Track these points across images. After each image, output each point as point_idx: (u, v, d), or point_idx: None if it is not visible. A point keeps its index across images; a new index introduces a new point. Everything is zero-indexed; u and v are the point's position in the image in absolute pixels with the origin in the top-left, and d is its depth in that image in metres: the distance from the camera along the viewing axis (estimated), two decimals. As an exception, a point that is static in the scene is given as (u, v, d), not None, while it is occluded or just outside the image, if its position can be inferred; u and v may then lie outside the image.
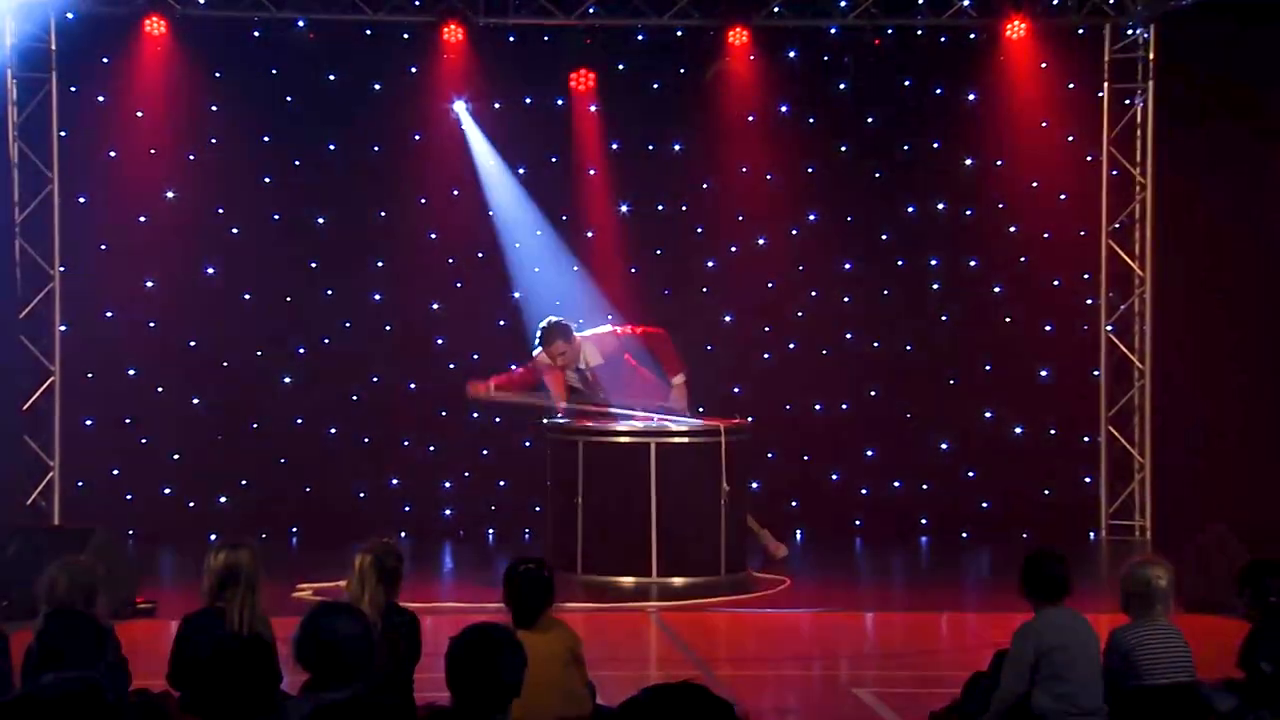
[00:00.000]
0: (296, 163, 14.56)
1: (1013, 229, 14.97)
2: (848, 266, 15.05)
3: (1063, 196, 14.97)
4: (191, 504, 14.35)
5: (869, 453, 15.00)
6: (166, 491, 14.34)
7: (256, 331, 14.50)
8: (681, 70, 14.81)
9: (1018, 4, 14.34)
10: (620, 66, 14.72)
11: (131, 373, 14.36)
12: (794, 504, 14.74)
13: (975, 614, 11.67)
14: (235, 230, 14.50)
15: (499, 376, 12.91)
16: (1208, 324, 13.97)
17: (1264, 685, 7.02)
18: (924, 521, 14.96)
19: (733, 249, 14.95)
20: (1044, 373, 14.98)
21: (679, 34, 14.72)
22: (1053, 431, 15.02)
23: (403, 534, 14.03)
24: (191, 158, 14.45)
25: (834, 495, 14.78)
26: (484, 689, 4.75)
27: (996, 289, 15.02)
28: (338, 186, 14.55)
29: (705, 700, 3.57)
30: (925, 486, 14.98)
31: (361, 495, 14.59)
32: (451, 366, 14.75)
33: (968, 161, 14.92)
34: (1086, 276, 15.08)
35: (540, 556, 6.94)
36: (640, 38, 14.74)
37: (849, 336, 14.98)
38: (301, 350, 14.72)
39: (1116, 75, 14.97)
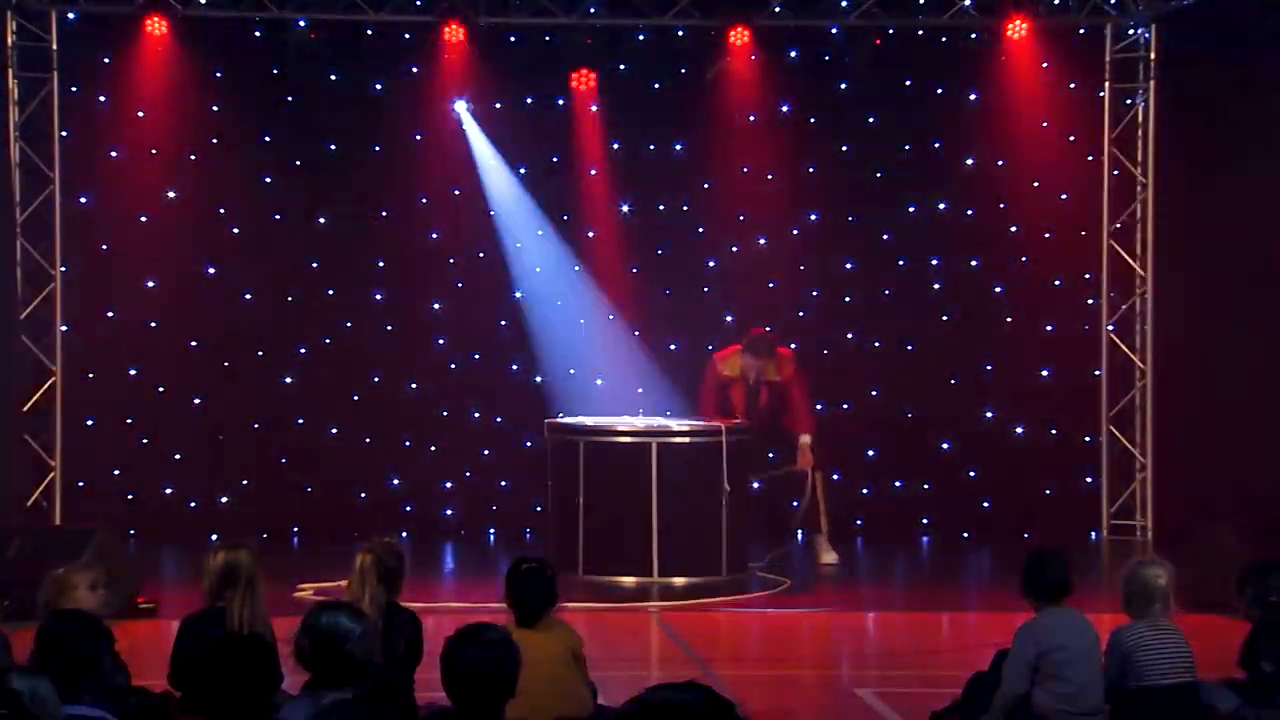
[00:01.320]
0: (297, 163, 14.55)
1: (1014, 229, 14.97)
2: (849, 266, 15.04)
3: (1064, 196, 14.97)
4: (192, 504, 14.35)
5: (870, 453, 15.00)
6: (167, 491, 14.34)
7: (257, 331, 14.49)
8: (682, 70, 14.80)
9: (1019, 4, 14.33)
10: (620, 66, 14.72)
11: (132, 373, 14.36)
12: (794, 504, 14.69)
13: (976, 614, 11.67)
14: (236, 230, 14.50)
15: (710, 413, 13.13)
16: (1208, 324, 13.97)
17: (1265, 685, 7.01)
18: (925, 521, 14.96)
19: (733, 249, 14.95)
20: (1045, 373, 14.97)
21: (679, 34, 14.72)
22: (1054, 431, 15.01)
23: (403, 534, 14.02)
24: (192, 158, 14.44)
25: (835, 495, 14.74)
26: (478, 689, 4.75)
27: (997, 289, 15.02)
28: (338, 186, 14.55)
29: (709, 700, 3.55)
30: (926, 486, 14.98)
31: (362, 495, 14.58)
32: (452, 366, 14.77)
33: (968, 161, 14.92)
34: (1088, 276, 15.08)
35: (542, 556, 6.93)
36: (640, 38, 14.74)
37: (850, 336, 14.98)
38: (302, 350, 14.71)
39: (1117, 75, 14.97)
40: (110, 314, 14.37)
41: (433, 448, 14.81)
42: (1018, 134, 14.80)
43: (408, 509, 14.60)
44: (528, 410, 14.02)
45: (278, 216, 14.55)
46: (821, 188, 14.98)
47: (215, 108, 14.43)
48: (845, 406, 14.91)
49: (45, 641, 5.47)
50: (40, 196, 14.17)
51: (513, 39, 14.70)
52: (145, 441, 14.33)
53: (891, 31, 14.71)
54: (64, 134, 14.26)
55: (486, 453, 14.74)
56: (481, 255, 14.80)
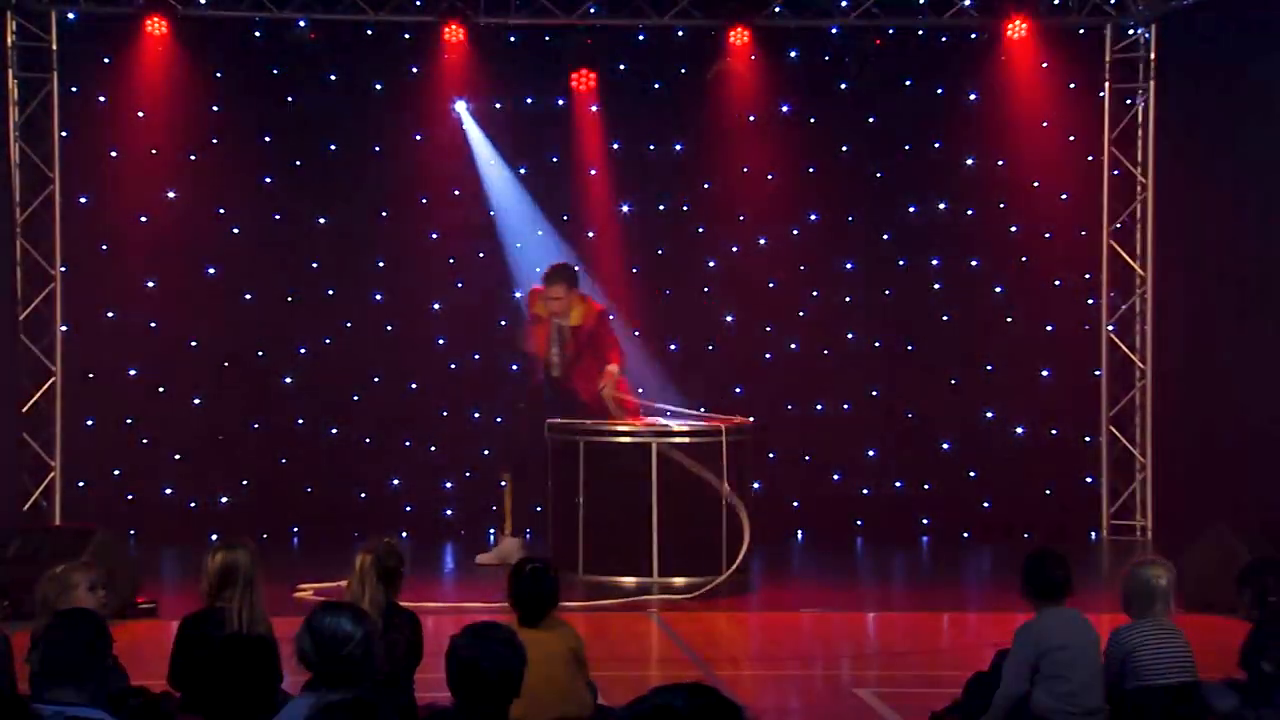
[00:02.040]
0: (297, 163, 14.56)
1: (1014, 229, 14.97)
2: (849, 266, 15.04)
3: (1064, 196, 14.97)
4: (192, 504, 14.35)
5: (870, 453, 15.00)
6: (167, 491, 14.34)
7: (257, 331, 14.50)
8: (682, 70, 14.80)
9: (1019, 4, 14.34)
10: (620, 66, 14.72)
11: (132, 373, 14.36)
12: (795, 504, 14.74)
13: (976, 614, 11.67)
14: (236, 230, 14.50)
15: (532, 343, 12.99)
16: (1208, 324, 13.97)
17: (1265, 685, 7.01)
18: (925, 521, 14.95)
19: (733, 249, 14.95)
20: (1045, 373, 14.98)
21: (679, 34, 14.72)
22: (1054, 431, 15.02)
23: (403, 534, 14.02)
24: (192, 158, 14.45)
25: (835, 495, 14.77)
26: (484, 688, 4.75)
27: (997, 289, 15.02)
28: (338, 186, 14.55)
29: (715, 702, 3.53)
30: (926, 486, 14.97)
31: (362, 495, 14.59)
32: (452, 366, 14.77)
33: (968, 161, 14.92)
34: (1088, 276, 15.08)
35: (545, 557, 6.95)
36: (640, 38, 14.74)
37: (850, 336, 14.98)
38: (302, 350, 14.71)
39: (1117, 75, 14.96)
40: (110, 314, 14.37)
41: (433, 448, 14.80)
42: (1018, 134, 14.80)
43: (408, 509, 14.60)
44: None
45: (277, 216, 14.56)
46: (821, 188, 14.98)
47: (215, 108, 14.43)
48: (845, 407, 14.91)
49: (48, 641, 5.46)
50: (40, 196, 14.17)
51: (513, 39, 14.70)
52: (145, 441, 14.33)
53: (891, 31, 14.72)
54: (64, 134, 14.26)
55: (486, 453, 14.73)
56: (481, 255, 14.80)
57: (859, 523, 14.85)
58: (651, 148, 14.90)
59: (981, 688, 7.12)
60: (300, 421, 14.63)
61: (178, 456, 14.38)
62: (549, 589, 6.69)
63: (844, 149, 14.96)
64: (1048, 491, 14.83)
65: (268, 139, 14.57)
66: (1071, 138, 15.02)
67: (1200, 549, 11.15)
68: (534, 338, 12.96)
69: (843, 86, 14.88)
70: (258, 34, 14.45)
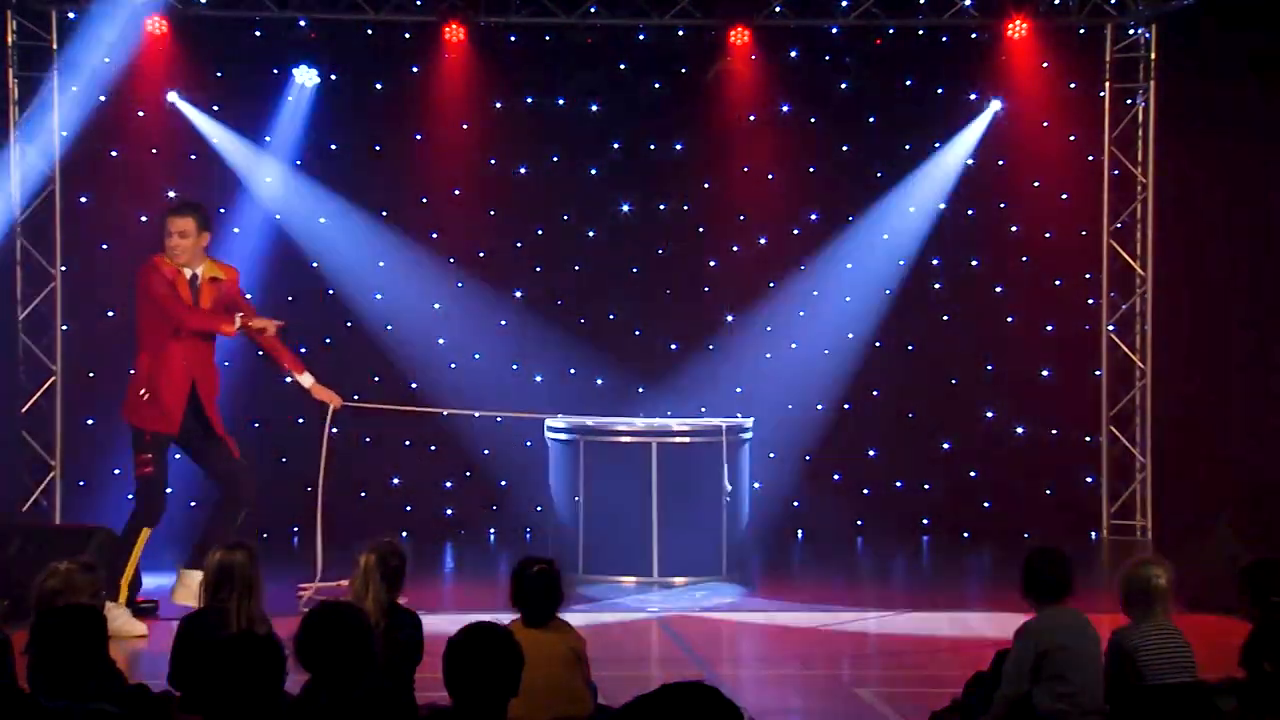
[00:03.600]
0: (297, 162, 14.56)
1: (1014, 229, 14.97)
2: (849, 266, 15.03)
3: (1064, 196, 14.97)
4: (192, 504, 14.33)
5: (871, 453, 15.00)
6: (167, 491, 14.30)
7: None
8: (682, 70, 14.81)
9: (1019, 4, 14.33)
10: (621, 66, 14.72)
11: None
12: (795, 504, 14.74)
13: (977, 614, 11.66)
14: (236, 230, 14.50)
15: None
16: (1208, 324, 13.97)
17: (1266, 685, 7.00)
18: (925, 521, 14.96)
19: (733, 249, 14.94)
20: (1045, 373, 14.98)
21: (679, 34, 14.72)
22: (1054, 431, 15.02)
23: (404, 534, 14.00)
24: (193, 157, 14.44)
25: (836, 495, 14.76)
26: (482, 688, 4.75)
27: (998, 289, 15.02)
28: (338, 186, 14.54)
29: (714, 702, 3.55)
30: (927, 486, 14.98)
31: (362, 495, 14.58)
32: (452, 366, 14.77)
33: (969, 161, 14.91)
34: (1088, 276, 15.08)
35: (550, 557, 6.96)
36: (640, 38, 14.74)
37: (850, 336, 14.97)
38: (302, 350, 14.66)
39: (1118, 75, 14.97)
40: (110, 313, 14.36)
41: (433, 448, 14.80)
42: (1017, 134, 14.80)
43: (408, 509, 14.59)
44: (527, 410, 14.02)
45: (278, 216, 14.55)
46: (822, 188, 14.98)
47: (215, 107, 14.43)
48: (846, 407, 14.91)
49: (43, 638, 5.45)
50: (40, 195, 14.17)
51: (513, 39, 14.70)
52: (145, 441, 14.30)
53: (892, 31, 14.72)
54: (64, 133, 14.26)
55: (486, 452, 14.73)
56: (481, 255, 14.80)
57: (859, 523, 14.85)
58: (652, 148, 14.90)
59: (981, 688, 7.12)
60: (300, 421, 14.61)
61: (178, 456, 14.35)
62: (555, 591, 6.70)
63: (844, 149, 14.95)
64: (1048, 491, 14.83)
65: (268, 139, 14.56)
66: (1072, 138, 15.02)
67: (1200, 549, 11.15)
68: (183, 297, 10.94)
69: (843, 86, 14.88)
70: (258, 34, 14.44)
